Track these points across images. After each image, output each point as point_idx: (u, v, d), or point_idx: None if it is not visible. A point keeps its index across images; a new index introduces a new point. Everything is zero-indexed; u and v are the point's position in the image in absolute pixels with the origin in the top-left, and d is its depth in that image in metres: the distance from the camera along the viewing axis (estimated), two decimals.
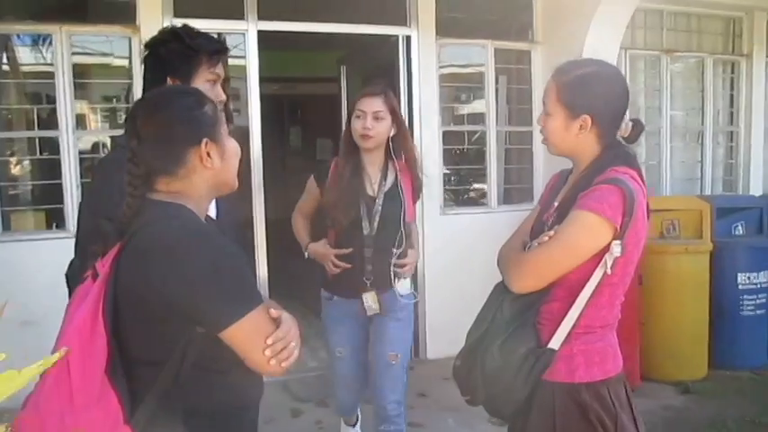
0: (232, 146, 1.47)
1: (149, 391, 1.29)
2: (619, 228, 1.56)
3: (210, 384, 1.36)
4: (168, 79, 1.81)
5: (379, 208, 2.68)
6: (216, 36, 1.98)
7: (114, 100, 4.78)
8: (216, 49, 1.88)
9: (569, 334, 1.61)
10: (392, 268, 2.69)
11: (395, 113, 2.69)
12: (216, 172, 1.41)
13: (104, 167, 1.84)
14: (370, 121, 2.63)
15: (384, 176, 2.73)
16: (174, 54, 1.82)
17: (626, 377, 1.71)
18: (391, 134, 2.70)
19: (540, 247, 1.62)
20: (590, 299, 1.60)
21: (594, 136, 1.69)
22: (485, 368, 1.66)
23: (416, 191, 2.82)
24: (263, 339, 1.28)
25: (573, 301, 1.61)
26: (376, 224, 2.67)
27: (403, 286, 2.76)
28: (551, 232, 1.62)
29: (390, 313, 2.72)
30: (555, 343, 1.62)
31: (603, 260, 1.57)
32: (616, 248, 1.56)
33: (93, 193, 1.81)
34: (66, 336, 1.28)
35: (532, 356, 1.61)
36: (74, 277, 1.84)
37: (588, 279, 1.59)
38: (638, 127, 1.73)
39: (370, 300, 2.68)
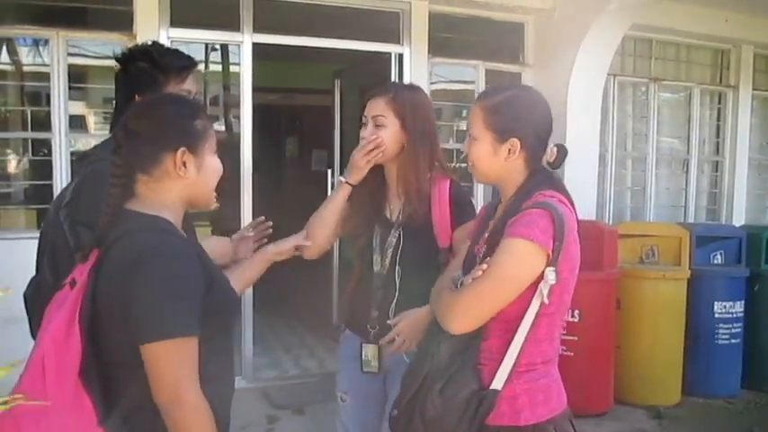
0: (213, 163, 1.49)
1: (124, 393, 1.32)
2: (551, 253, 1.48)
3: None
4: (136, 97, 1.82)
5: (393, 240, 2.07)
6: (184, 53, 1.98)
7: (113, 103, 4.85)
8: (183, 65, 1.89)
9: (511, 373, 1.51)
10: (390, 316, 2.05)
11: (405, 119, 2.04)
12: (189, 183, 1.44)
13: (90, 187, 1.77)
14: (370, 128, 2.07)
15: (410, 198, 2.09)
16: (142, 73, 1.84)
17: (571, 413, 1.63)
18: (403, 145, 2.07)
19: (473, 283, 1.51)
20: (528, 333, 1.50)
21: (522, 161, 1.64)
22: (425, 416, 1.53)
23: (458, 218, 2.06)
24: (171, 369, 1.29)
25: (511, 338, 1.51)
26: (388, 261, 2.08)
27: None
28: (484, 265, 1.51)
29: (396, 379, 2.02)
30: (497, 383, 1.51)
31: (539, 289, 1.48)
32: (550, 275, 1.47)
33: (77, 213, 1.75)
34: (42, 340, 1.32)
35: (475, 400, 1.51)
36: (38, 296, 1.81)
37: (525, 312, 1.49)
38: (562, 152, 1.67)
39: (369, 354, 2.11)
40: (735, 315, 4.52)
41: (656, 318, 4.32)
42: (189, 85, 1.89)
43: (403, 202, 2.10)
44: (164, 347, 1.29)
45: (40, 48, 4.32)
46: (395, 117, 2.04)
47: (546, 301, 1.48)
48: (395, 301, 2.06)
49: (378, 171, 2.13)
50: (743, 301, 4.54)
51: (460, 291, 1.54)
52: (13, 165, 4.41)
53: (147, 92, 1.82)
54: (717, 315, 4.49)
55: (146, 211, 1.41)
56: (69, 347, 1.29)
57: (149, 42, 1.96)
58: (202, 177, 1.46)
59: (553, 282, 1.48)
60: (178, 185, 1.44)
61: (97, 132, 4.75)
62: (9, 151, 4.38)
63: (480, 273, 1.50)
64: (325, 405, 4.07)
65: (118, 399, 1.32)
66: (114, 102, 1.96)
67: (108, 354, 1.34)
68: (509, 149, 1.61)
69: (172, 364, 1.30)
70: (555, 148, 1.67)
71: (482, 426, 1.52)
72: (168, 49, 1.94)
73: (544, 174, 1.66)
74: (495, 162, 1.64)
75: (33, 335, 1.81)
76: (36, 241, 3.95)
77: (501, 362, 1.51)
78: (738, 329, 4.53)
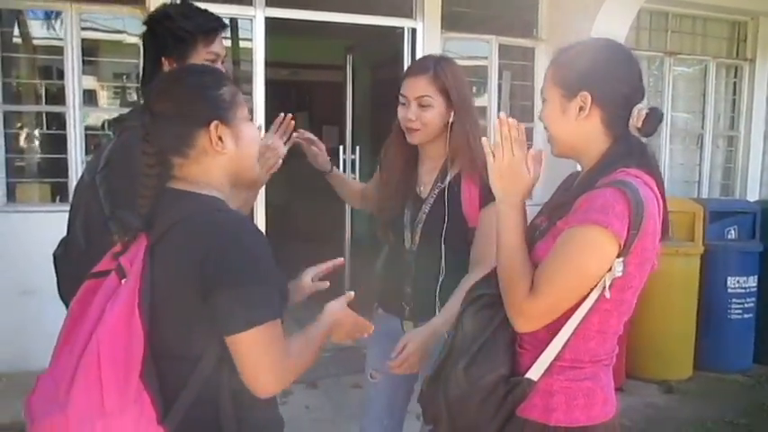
0: (250, 132, 1.39)
1: (183, 387, 1.26)
2: (623, 243, 1.28)
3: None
4: (163, 60, 1.79)
5: (424, 216, 2.03)
6: (209, 12, 1.88)
7: (124, 78, 4.85)
8: (211, 27, 1.82)
9: (551, 366, 1.36)
10: (437, 298, 2.02)
11: (449, 95, 1.98)
12: (230, 158, 1.34)
13: (120, 152, 1.77)
14: (414, 109, 1.99)
15: (444, 174, 2.05)
16: (168, 34, 1.78)
17: (617, 426, 1.44)
18: (450, 120, 2.00)
19: (548, 281, 1.32)
20: (578, 326, 1.34)
21: (600, 123, 1.39)
22: (448, 395, 1.41)
23: (486, 196, 1.96)
24: (267, 356, 1.24)
25: (559, 327, 1.35)
26: (418, 237, 2.05)
27: None
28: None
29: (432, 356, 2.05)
30: (534, 373, 1.37)
31: (602, 280, 1.30)
32: (617, 267, 1.29)
33: (111, 179, 1.75)
34: (96, 337, 1.21)
35: (504, 386, 1.37)
36: (68, 257, 1.85)
37: (580, 303, 1.33)
38: (654, 116, 1.39)
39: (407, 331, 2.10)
40: (748, 290, 4.50)
41: (669, 293, 4.31)
42: (217, 48, 1.83)
43: (439, 173, 2.04)
44: (256, 334, 1.22)
45: (53, 21, 4.31)
46: (439, 95, 1.97)
47: (607, 294, 1.30)
48: (442, 278, 1.99)
49: (409, 149, 2.09)
50: (756, 276, 4.53)
51: (534, 291, 1.33)
52: (27, 139, 4.43)
53: (174, 54, 1.78)
54: (730, 290, 4.48)
55: (198, 191, 1.32)
56: (130, 344, 1.20)
57: (178, 2, 1.89)
58: (242, 148, 1.36)
59: (618, 275, 1.30)
60: (219, 163, 1.33)
61: (110, 107, 4.76)
62: (21, 125, 4.38)
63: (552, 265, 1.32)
64: (338, 379, 4.10)
65: (176, 394, 1.25)
66: (141, 67, 1.90)
67: (166, 347, 1.25)
68: (579, 107, 1.39)
69: (264, 349, 1.23)
70: (644, 110, 1.39)
71: (510, 415, 1.39)
72: (197, 9, 1.85)
73: (631, 143, 1.40)
74: (566, 123, 1.41)
75: (61, 294, 1.86)
76: (51, 214, 3.99)
77: (543, 351, 1.37)
78: (751, 304, 4.52)
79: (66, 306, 1.82)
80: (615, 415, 1.43)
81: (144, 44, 1.87)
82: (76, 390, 1.20)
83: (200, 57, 1.80)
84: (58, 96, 4.19)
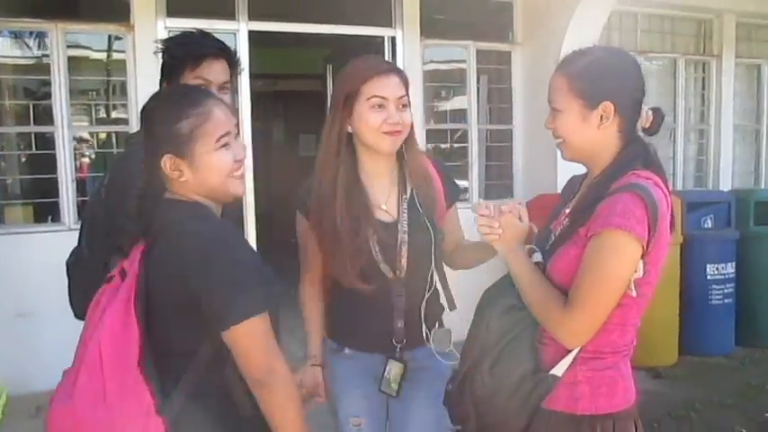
0: (210, 161, 1.41)
1: (181, 381, 1.35)
2: (645, 245, 1.36)
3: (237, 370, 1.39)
4: (164, 83, 1.89)
5: (406, 237, 1.78)
6: (212, 40, 1.93)
7: (95, 93, 4.86)
8: (200, 53, 1.84)
9: (575, 359, 1.43)
10: (422, 315, 1.82)
11: (408, 95, 1.82)
12: (191, 183, 1.42)
13: (119, 165, 1.90)
14: (394, 111, 1.73)
15: (403, 183, 1.83)
16: (164, 61, 1.88)
17: (638, 414, 1.52)
18: None
19: (585, 294, 1.38)
20: None
21: (616, 129, 1.47)
22: (474, 394, 1.49)
23: (451, 194, 1.93)
24: (261, 344, 1.34)
25: None
26: (405, 261, 1.78)
27: (440, 340, 1.85)
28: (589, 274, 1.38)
29: (422, 383, 1.84)
30: (558, 369, 1.44)
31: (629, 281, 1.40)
32: (640, 268, 1.39)
33: (110, 189, 1.86)
34: (98, 332, 1.33)
35: (529, 381, 1.44)
36: (77, 265, 1.95)
37: None
38: (658, 116, 1.51)
39: (393, 372, 1.83)
40: (727, 276, 4.69)
41: None
42: (204, 74, 1.82)
43: (399, 189, 1.84)
44: (251, 326, 1.32)
45: (36, 41, 4.31)
46: (408, 95, 1.79)
47: (633, 293, 1.40)
48: (428, 295, 1.83)
49: (353, 168, 1.81)
50: (734, 263, 4.72)
51: (573, 306, 1.39)
52: (16, 160, 4.41)
53: (167, 78, 1.88)
54: (710, 277, 4.66)
55: (185, 200, 1.43)
56: (128, 338, 1.31)
57: (193, 30, 1.96)
58: (200, 177, 1.41)
59: (639, 276, 1.39)
60: (184, 185, 1.43)
61: (93, 125, 4.76)
62: (7, 146, 4.37)
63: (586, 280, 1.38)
64: None
65: (174, 388, 1.35)
66: None
67: (165, 344, 1.36)
68: (601, 116, 1.45)
69: (260, 339, 1.34)
70: (650, 112, 1.51)
71: (536, 409, 1.45)
72: (196, 36, 1.92)
73: (640, 146, 1.49)
74: (587, 132, 1.47)
75: (71, 300, 1.94)
76: (43, 235, 3.98)
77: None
78: (731, 290, 4.71)
79: (75, 313, 1.91)
80: (635, 401, 1.50)
81: None
82: (81, 381, 1.32)
83: (186, 81, 1.82)
84: (43, 116, 4.19)
